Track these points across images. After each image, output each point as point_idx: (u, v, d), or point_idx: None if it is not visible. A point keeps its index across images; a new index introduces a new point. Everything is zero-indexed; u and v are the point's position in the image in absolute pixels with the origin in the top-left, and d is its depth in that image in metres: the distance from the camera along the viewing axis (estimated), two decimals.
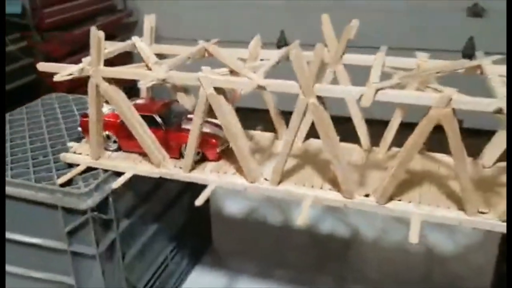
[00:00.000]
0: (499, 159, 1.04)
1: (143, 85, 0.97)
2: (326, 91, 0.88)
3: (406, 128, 0.99)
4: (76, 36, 2.51)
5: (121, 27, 2.92)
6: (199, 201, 0.99)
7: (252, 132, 1.22)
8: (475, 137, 1.11)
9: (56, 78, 0.98)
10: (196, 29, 2.65)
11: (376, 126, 1.18)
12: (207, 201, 1.01)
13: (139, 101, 1.14)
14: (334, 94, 0.87)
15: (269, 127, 1.20)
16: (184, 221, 1.42)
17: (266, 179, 1.02)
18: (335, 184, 0.98)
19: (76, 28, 2.56)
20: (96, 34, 0.97)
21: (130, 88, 1.14)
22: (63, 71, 1.00)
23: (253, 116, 1.30)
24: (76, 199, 1.00)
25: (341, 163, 0.92)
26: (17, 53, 2.29)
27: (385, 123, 1.10)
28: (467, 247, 1.57)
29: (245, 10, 2.70)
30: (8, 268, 1.15)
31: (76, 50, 2.52)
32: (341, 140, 0.95)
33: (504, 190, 0.92)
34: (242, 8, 2.71)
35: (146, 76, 0.97)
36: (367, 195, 0.96)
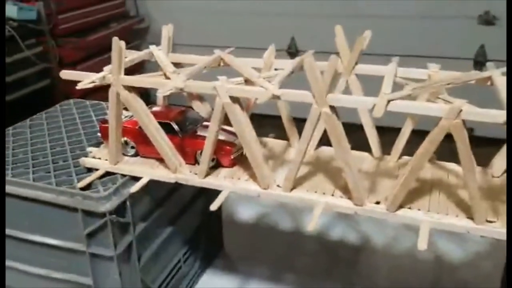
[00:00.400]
0: None
1: (161, 94, 1.00)
2: (339, 101, 0.90)
3: (417, 135, 1.02)
4: (89, 41, 2.56)
5: (133, 33, 2.97)
6: (213, 206, 1.02)
7: (265, 139, 1.25)
8: (485, 146, 1.12)
9: (80, 86, 1.02)
10: (207, 36, 2.69)
11: (387, 134, 1.20)
12: (219, 206, 1.03)
13: (155, 109, 1.18)
14: (347, 104, 0.90)
15: (281, 133, 1.23)
16: (197, 225, 1.45)
17: (278, 186, 1.04)
18: (346, 191, 1.00)
19: (89, 34, 2.61)
20: (118, 43, 1.00)
21: (147, 95, 1.17)
22: (86, 79, 1.03)
23: (265, 122, 1.32)
24: (96, 202, 1.04)
25: (352, 171, 0.94)
26: (33, 58, 2.34)
27: (396, 130, 1.12)
28: (476, 255, 1.58)
29: (255, 17, 2.73)
30: (29, 268, 1.18)
31: (90, 56, 2.58)
32: (353, 148, 0.97)
33: None
34: (252, 15, 2.74)
35: (165, 85, 0.99)
36: (377, 203, 0.98)
